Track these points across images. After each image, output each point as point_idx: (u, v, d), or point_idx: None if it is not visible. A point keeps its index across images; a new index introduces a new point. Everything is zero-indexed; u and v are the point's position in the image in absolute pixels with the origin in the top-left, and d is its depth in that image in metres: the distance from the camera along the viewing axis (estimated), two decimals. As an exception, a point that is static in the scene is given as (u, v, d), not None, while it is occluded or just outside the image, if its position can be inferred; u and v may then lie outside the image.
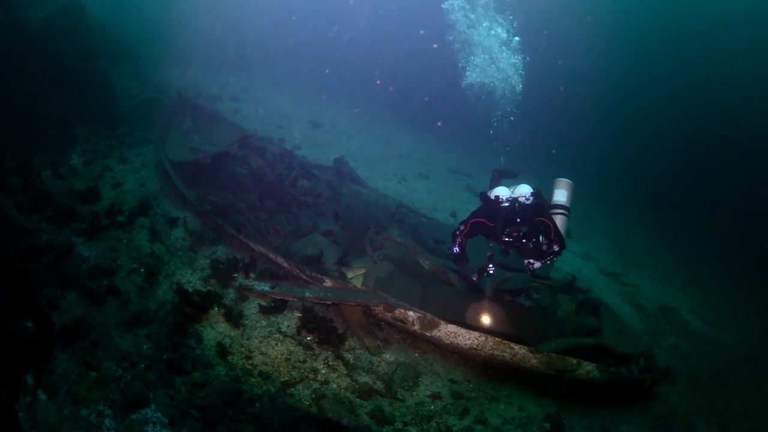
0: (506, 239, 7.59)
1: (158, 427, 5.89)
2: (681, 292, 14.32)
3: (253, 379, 6.77)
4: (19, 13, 11.53)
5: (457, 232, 8.13)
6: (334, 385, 7.04)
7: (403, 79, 23.37)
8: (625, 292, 12.60)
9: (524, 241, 7.52)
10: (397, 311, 7.72)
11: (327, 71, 23.22)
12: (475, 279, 8.23)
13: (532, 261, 7.89)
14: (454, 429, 6.84)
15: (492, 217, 7.92)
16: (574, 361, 7.24)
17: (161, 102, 14.81)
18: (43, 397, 5.88)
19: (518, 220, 7.52)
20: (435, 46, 19.93)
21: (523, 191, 8.00)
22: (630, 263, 15.42)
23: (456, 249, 8.15)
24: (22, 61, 11.09)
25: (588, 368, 7.24)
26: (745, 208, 19.35)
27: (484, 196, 8.50)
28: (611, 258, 15.39)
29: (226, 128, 13.75)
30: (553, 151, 17.35)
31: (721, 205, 20.04)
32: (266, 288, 8.27)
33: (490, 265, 8.06)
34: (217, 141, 12.68)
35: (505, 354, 7.34)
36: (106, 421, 5.79)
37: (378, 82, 22.84)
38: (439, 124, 21.11)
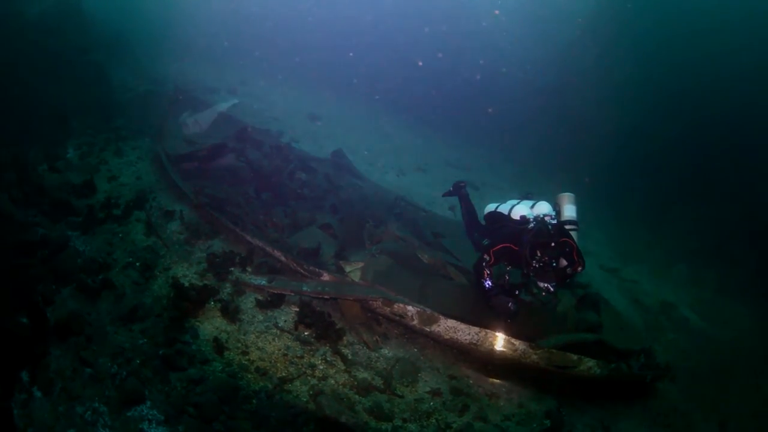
0: (537, 265, 7.12)
1: (154, 424, 5.82)
2: (680, 287, 14.26)
3: (249, 375, 6.70)
4: (16, 7, 11.44)
5: (484, 264, 7.61)
6: (332, 381, 6.98)
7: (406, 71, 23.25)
8: (625, 288, 12.54)
9: (554, 265, 7.07)
10: (395, 306, 7.65)
11: (351, 54, 23.07)
12: (512, 308, 7.63)
13: (548, 284, 7.30)
14: (454, 426, 6.79)
15: (518, 241, 7.44)
16: (575, 357, 7.18)
17: (158, 95, 14.70)
18: (38, 394, 5.82)
19: (552, 244, 7.08)
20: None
21: (546, 210, 7.60)
22: (629, 258, 15.36)
23: (488, 282, 7.67)
24: (18, 54, 11.00)
25: (589, 364, 7.18)
26: (744, 203, 19.28)
27: (495, 215, 8.18)
28: (610, 253, 15.33)
29: (223, 120, 13.65)
30: (587, 180, 16.98)
31: (720, 200, 19.96)
32: (263, 282, 8.20)
33: (517, 291, 7.67)
34: (214, 133, 12.58)
35: (505, 349, 7.28)
36: (102, 419, 5.73)
37: (420, 63, 22.61)
38: (490, 111, 20.72)
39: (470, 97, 21.31)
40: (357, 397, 6.87)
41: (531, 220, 7.53)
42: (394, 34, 24.26)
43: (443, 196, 10.48)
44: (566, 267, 7.23)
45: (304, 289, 8.01)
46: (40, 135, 10.74)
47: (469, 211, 9.39)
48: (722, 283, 14.74)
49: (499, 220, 8.08)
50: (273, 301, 8.00)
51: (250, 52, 22.38)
